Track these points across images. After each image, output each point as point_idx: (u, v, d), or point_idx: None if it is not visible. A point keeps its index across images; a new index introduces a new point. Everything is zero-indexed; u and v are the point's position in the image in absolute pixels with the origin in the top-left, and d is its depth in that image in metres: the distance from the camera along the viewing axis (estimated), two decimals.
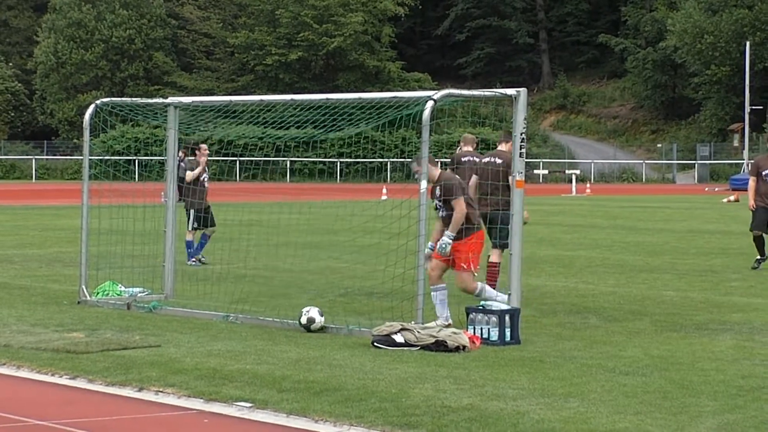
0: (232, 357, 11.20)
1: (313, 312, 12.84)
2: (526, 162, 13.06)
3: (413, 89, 76.33)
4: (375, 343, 11.78)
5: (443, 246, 12.84)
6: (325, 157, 74.86)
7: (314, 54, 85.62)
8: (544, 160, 79.36)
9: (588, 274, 19.36)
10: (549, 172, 77.46)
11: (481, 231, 13.31)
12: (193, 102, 16.25)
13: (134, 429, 8.69)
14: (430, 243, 13.12)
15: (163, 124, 16.23)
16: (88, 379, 10.25)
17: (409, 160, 72.04)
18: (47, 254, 22.33)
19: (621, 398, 9.43)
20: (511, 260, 12.76)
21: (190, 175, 20.68)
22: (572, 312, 14.67)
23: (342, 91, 73.72)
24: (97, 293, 15.47)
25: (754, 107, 77.52)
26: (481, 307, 12.35)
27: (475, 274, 13.18)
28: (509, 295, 12.76)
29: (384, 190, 42.13)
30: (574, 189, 60.58)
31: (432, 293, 13.11)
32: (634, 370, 10.68)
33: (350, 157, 73.71)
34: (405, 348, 11.65)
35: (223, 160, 68.47)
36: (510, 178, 14.61)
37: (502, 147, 15.68)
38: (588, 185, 65.38)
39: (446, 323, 12.79)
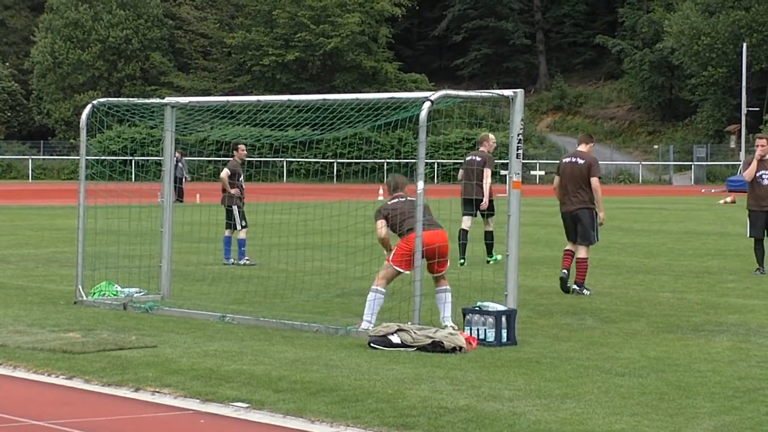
0: (229, 357, 11.19)
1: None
2: (522, 163, 13.06)
3: (410, 90, 76.40)
4: (371, 344, 11.78)
5: None
6: (322, 158, 74.83)
7: (311, 54, 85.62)
8: (540, 161, 79.38)
9: None
10: (546, 173, 77.42)
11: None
12: (189, 102, 16.25)
13: (130, 429, 8.69)
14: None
15: (159, 125, 16.22)
16: (85, 379, 10.25)
17: (407, 160, 71.88)
18: (44, 254, 22.31)
19: (617, 399, 9.43)
20: (508, 261, 12.76)
21: (224, 174, 21.29)
22: (569, 313, 14.67)
23: (339, 92, 73.75)
24: (94, 293, 15.45)
25: (750, 109, 77.60)
26: (477, 308, 12.36)
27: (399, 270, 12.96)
28: (506, 295, 12.73)
29: (380, 191, 42.15)
30: None
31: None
32: (630, 371, 10.68)
33: (347, 158, 73.71)
34: (401, 349, 11.64)
35: (219, 161, 68.39)
36: (592, 179, 16.47)
37: (582, 148, 17.03)
38: None
39: (369, 326, 12.57)
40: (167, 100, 15.99)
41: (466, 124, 48.50)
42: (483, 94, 13.30)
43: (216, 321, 13.70)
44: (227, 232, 21.06)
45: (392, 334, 11.80)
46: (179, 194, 39.92)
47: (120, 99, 17.23)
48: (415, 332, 11.79)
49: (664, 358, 11.43)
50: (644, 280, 18.71)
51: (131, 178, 56.77)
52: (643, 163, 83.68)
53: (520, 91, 12.82)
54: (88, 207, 15.69)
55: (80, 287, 15.25)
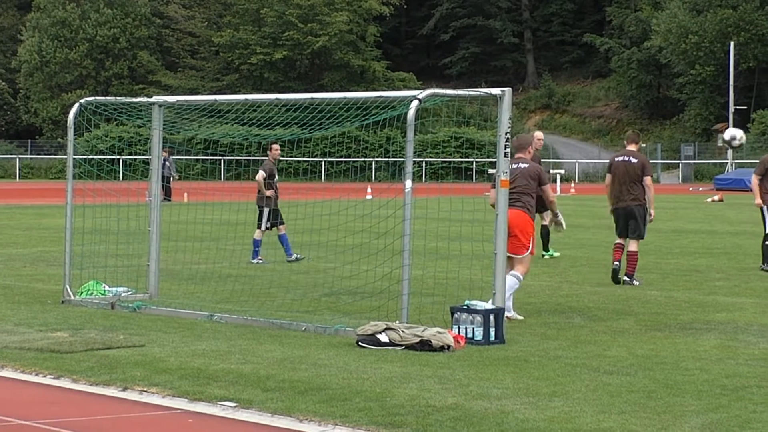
0: (217, 356, 11.18)
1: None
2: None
3: (398, 89, 76.41)
4: (360, 343, 11.77)
5: None
6: (310, 157, 74.75)
7: (299, 53, 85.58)
8: None
9: (573, 274, 19.38)
10: None
11: None
12: (177, 101, 16.23)
13: (118, 429, 8.67)
14: None
15: (147, 124, 16.20)
16: (72, 378, 10.23)
17: (395, 159, 71.56)
18: (31, 253, 22.26)
19: (605, 397, 9.44)
20: (495, 259, 12.76)
21: (259, 176, 21.32)
22: (557, 311, 14.68)
23: (327, 91, 73.79)
24: (81, 293, 15.42)
25: (738, 107, 77.79)
26: (465, 307, 12.36)
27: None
28: (494, 294, 12.74)
29: (369, 190, 42.19)
30: (558, 188, 60.64)
31: None
32: (618, 369, 10.70)
33: (335, 157, 73.64)
34: (390, 347, 11.64)
35: (207, 160, 68.30)
36: (646, 178, 17.46)
37: (632, 147, 17.81)
38: (572, 185, 65.47)
39: None
40: (155, 98, 15.97)
41: (454, 123, 48.57)
42: (471, 92, 13.30)
43: (204, 320, 13.68)
44: (257, 234, 21.02)
45: (380, 332, 11.80)
46: (167, 193, 39.85)
47: (107, 98, 17.18)
48: (403, 331, 11.79)
49: (652, 356, 11.45)
50: None
51: (119, 177, 56.63)
52: None
53: (507, 90, 12.83)
54: (76, 206, 15.66)
55: (68, 286, 15.22)
